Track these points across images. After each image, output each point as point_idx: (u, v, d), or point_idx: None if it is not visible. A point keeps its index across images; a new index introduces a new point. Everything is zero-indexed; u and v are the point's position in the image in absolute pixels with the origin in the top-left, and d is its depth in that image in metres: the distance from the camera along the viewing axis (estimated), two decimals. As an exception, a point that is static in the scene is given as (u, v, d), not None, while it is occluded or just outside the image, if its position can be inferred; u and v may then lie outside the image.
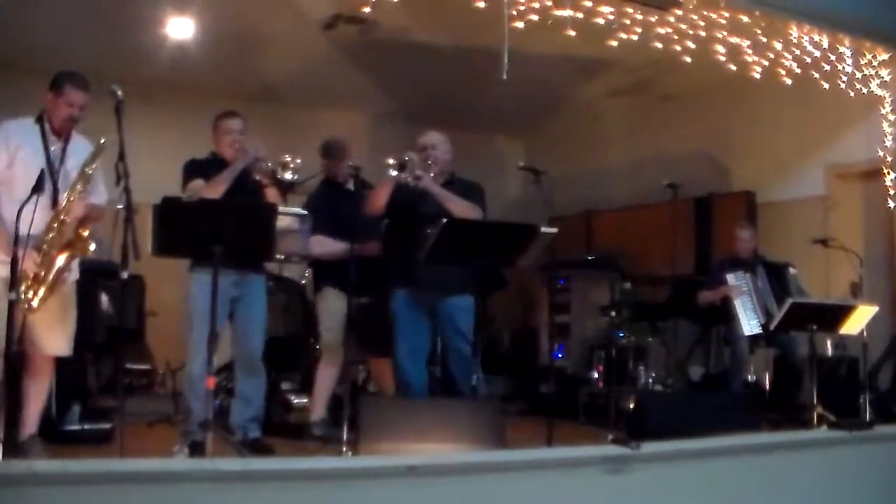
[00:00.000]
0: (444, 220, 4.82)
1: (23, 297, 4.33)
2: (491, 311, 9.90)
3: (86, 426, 5.68)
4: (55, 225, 4.52)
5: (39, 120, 4.67)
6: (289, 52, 8.47)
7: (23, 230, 4.11)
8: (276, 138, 7.40)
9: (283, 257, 7.28)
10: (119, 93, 4.29)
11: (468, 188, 5.61)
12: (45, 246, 4.48)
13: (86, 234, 4.56)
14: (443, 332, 5.51)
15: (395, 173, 5.27)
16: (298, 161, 5.33)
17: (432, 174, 5.43)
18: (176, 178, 5.42)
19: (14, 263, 4.03)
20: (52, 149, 4.65)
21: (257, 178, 5.34)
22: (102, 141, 4.56)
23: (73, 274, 4.76)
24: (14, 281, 4.04)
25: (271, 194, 5.40)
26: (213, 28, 7.78)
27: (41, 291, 4.48)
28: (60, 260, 4.52)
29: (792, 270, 7.27)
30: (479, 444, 4.33)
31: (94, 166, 4.58)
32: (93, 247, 4.58)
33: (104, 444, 5.51)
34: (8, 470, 3.23)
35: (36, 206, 4.21)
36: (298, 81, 9.25)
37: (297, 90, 9.58)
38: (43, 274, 4.49)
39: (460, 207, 5.35)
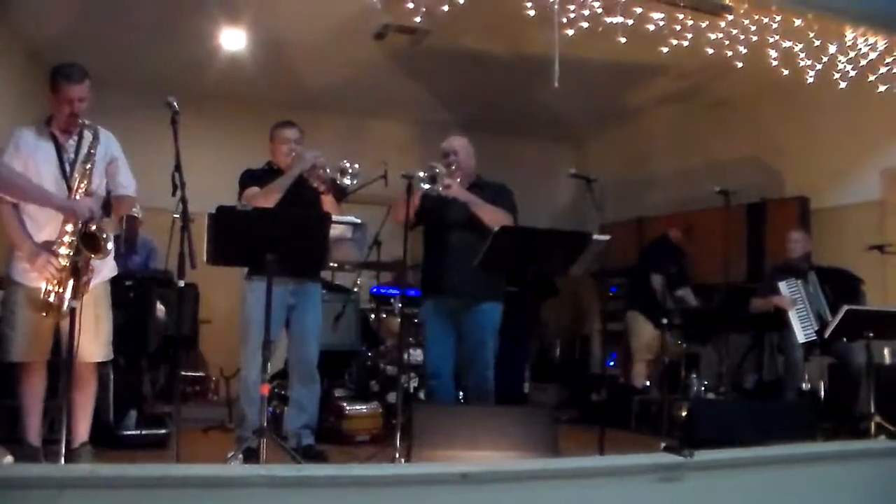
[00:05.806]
0: (496, 229, 4.81)
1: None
2: (543, 319, 9.92)
3: (142, 431, 5.79)
4: (66, 227, 4.33)
5: (48, 122, 4.52)
6: (340, 61, 8.53)
7: (41, 237, 4.29)
8: (328, 148, 7.44)
9: (336, 265, 7.38)
10: (174, 104, 4.32)
11: (496, 190, 5.57)
12: (59, 249, 4.31)
13: (93, 229, 4.29)
14: (466, 339, 5.48)
15: (426, 186, 5.23)
16: (357, 166, 5.34)
17: (458, 179, 5.41)
18: (231, 187, 5.48)
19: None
20: (66, 147, 4.50)
21: (314, 185, 5.38)
22: (94, 131, 4.43)
23: (101, 276, 4.56)
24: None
25: (328, 202, 5.44)
26: (265, 39, 7.89)
27: (66, 297, 4.26)
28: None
29: (863, 288, 7.17)
30: (531, 452, 4.32)
31: (89, 164, 4.41)
32: (110, 246, 4.38)
33: (160, 449, 5.60)
34: (70, 473, 3.30)
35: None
36: (350, 91, 9.34)
37: (349, 99, 9.67)
38: (64, 278, 4.27)
39: (492, 214, 5.32)
